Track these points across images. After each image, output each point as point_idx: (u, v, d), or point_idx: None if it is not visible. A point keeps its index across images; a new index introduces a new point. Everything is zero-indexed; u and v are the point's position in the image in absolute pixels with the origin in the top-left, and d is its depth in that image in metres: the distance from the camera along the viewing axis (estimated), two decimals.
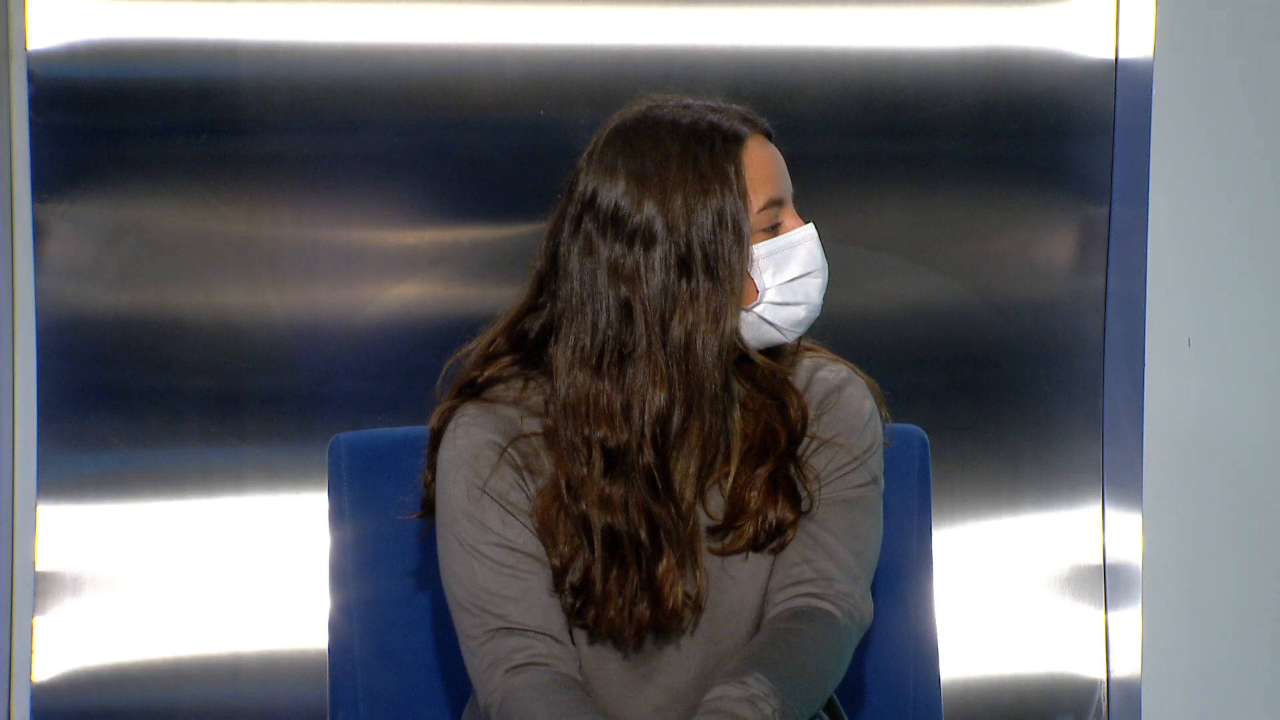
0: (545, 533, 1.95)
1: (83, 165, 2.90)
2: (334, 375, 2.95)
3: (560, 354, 1.93)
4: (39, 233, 2.90)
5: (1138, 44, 3.00)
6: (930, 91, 3.00)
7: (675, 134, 1.91)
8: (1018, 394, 3.08)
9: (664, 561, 1.93)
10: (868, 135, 3.01)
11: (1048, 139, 3.04)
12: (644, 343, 1.90)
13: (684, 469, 1.94)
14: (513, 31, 2.93)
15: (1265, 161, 3.01)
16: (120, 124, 2.89)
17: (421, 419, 2.08)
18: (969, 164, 3.04)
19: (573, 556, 1.94)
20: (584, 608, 1.95)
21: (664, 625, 1.96)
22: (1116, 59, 3.03)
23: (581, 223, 1.92)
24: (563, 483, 1.93)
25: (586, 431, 1.91)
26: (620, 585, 1.94)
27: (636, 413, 1.90)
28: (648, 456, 1.91)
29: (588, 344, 1.91)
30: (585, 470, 1.92)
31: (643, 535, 1.92)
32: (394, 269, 2.95)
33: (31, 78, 2.87)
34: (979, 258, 3.05)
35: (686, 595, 1.95)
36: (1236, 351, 3.03)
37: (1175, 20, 2.96)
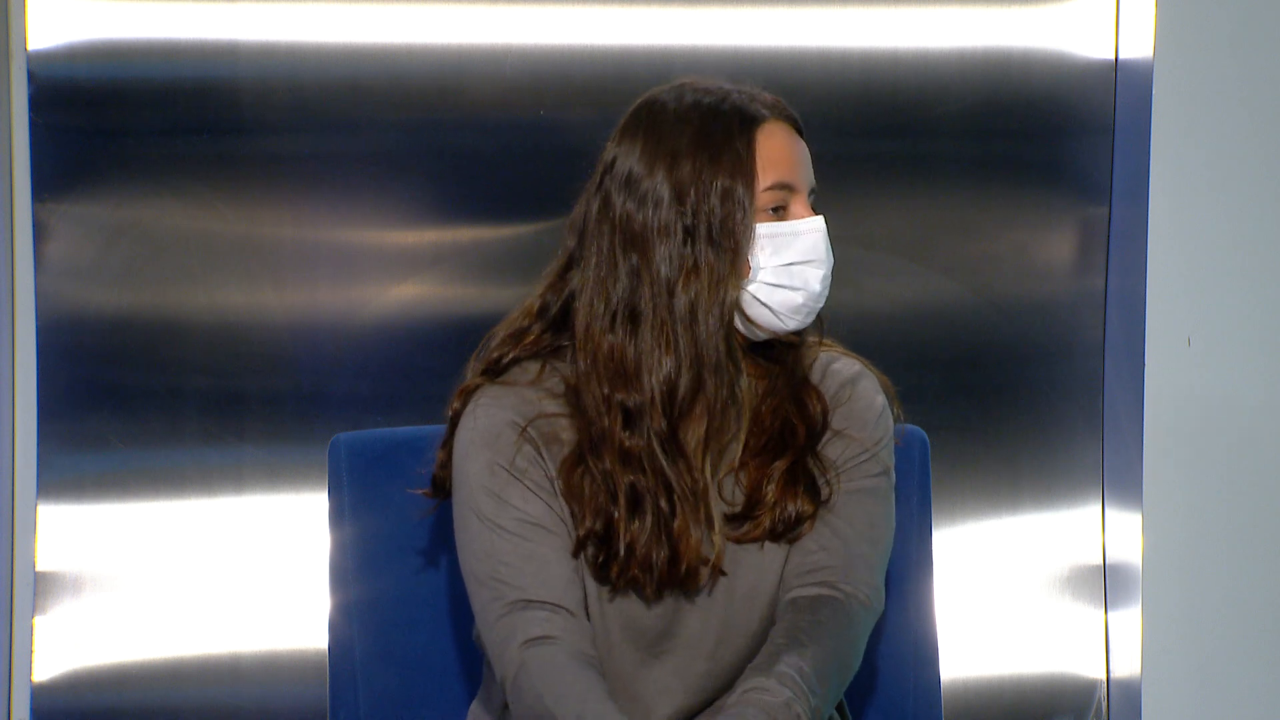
0: (572, 497, 1.98)
1: (83, 165, 2.90)
2: (334, 375, 2.95)
3: (581, 316, 1.98)
4: (39, 233, 2.90)
5: (1138, 44, 3.00)
6: (930, 91, 3.00)
7: (696, 109, 1.97)
8: (1018, 394, 3.08)
9: (679, 520, 1.97)
10: (868, 135, 3.01)
11: (1048, 139, 3.04)
12: (651, 307, 1.95)
13: (695, 434, 1.98)
14: (513, 31, 2.93)
15: (1265, 161, 3.00)
16: (120, 124, 2.89)
17: (422, 419, 2.09)
18: (969, 164, 3.04)
19: (597, 509, 1.97)
20: (607, 561, 1.98)
21: (682, 582, 1.99)
22: (1116, 59, 3.03)
23: (602, 183, 1.99)
24: (586, 443, 1.98)
25: (606, 390, 1.96)
26: (640, 537, 1.97)
27: (646, 376, 1.95)
28: (659, 421, 1.95)
29: (602, 308, 1.97)
30: (607, 424, 1.97)
31: (661, 497, 1.96)
32: (394, 269, 2.95)
33: (31, 78, 2.87)
34: (979, 258, 3.05)
35: (704, 557, 1.98)
36: (1236, 351, 3.03)
37: (1175, 20, 2.96)
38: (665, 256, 1.95)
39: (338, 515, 2.24)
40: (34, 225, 2.90)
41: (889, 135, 3.02)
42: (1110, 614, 3.11)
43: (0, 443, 2.95)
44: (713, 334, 1.95)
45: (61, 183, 2.90)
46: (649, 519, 1.97)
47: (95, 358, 2.93)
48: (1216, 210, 3.01)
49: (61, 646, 2.96)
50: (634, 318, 1.96)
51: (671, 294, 1.95)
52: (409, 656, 2.24)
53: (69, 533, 2.95)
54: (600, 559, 1.98)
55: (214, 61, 2.89)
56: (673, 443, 1.96)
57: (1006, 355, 3.08)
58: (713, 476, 2.00)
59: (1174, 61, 2.96)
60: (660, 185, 1.95)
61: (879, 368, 2.10)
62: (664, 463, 1.96)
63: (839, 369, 2.06)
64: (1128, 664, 3.08)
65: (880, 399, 2.06)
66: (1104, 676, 3.12)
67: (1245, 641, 3.07)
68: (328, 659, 2.25)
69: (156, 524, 2.95)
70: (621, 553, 1.97)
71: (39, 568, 2.95)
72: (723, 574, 2.00)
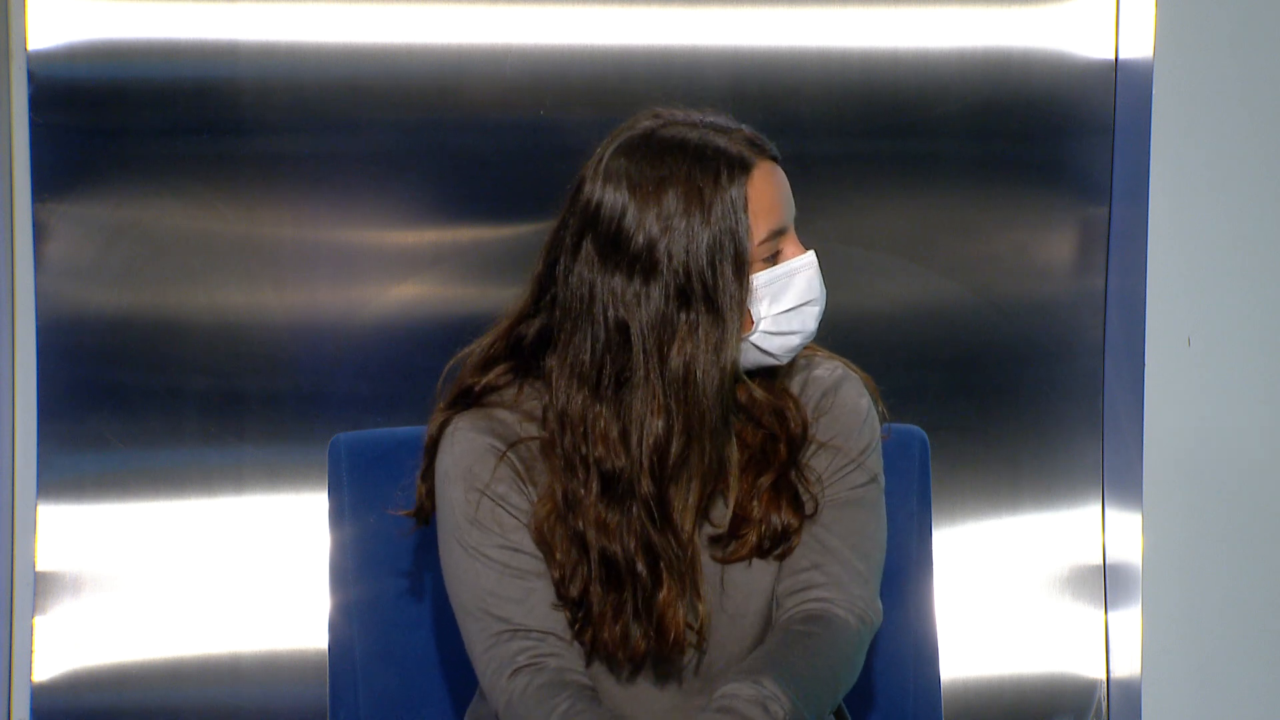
0: (542, 544, 1.94)
1: (83, 165, 2.90)
2: (334, 375, 2.95)
3: (558, 367, 1.93)
4: (39, 233, 2.90)
5: (1138, 44, 3.00)
6: (930, 91, 3.00)
7: (681, 156, 1.88)
8: (1018, 394, 3.08)
9: (664, 591, 1.93)
10: (868, 135, 3.01)
11: (1048, 139, 3.04)
12: (641, 370, 1.89)
13: (683, 499, 1.93)
14: (513, 31, 2.93)
15: (1265, 161, 3.01)
16: (120, 124, 2.89)
17: (421, 419, 2.08)
18: (969, 164, 3.04)
19: (573, 570, 1.93)
20: (582, 627, 1.95)
21: (666, 655, 1.96)
22: (1116, 59, 3.03)
23: (582, 238, 1.90)
24: (560, 496, 1.93)
25: (584, 451, 1.91)
26: (616, 611, 1.93)
27: (635, 440, 1.89)
28: (646, 487, 1.90)
29: (586, 361, 1.90)
30: (582, 491, 1.91)
31: (640, 565, 1.92)
32: (394, 269, 2.95)
33: (31, 78, 2.87)
34: (979, 258, 3.05)
35: (689, 627, 1.94)
36: (1236, 351, 3.03)
37: (1175, 20, 2.96)
38: (658, 321, 1.87)
39: (338, 515, 2.24)
40: (34, 225, 2.90)
41: (889, 135, 3.02)
42: (1110, 614, 3.11)
43: (0, 443, 2.95)
44: (712, 397, 1.89)
45: (61, 183, 2.90)
46: (626, 593, 1.92)
47: (95, 358, 2.93)
48: (1216, 210, 3.01)
49: (61, 646, 2.96)
50: (620, 380, 1.89)
51: (664, 358, 1.88)
52: (409, 656, 2.24)
53: (69, 533, 2.95)
54: (577, 623, 1.95)
55: (214, 61, 2.89)
56: (661, 509, 1.91)
57: (1006, 355, 3.08)
58: (699, 541, 1.95)
59: (1174, 61, 2.96)
60: (652, 246, 1.86)
61: (879, 368, 2.08)
62: (651, 530, 1.91)
63: (820, 375, 2.01)
64: (1128, 664, 3.08)
65: (864, 402, 2.02)
66: (1104, 676, 3.12)
67: (1245, 641, 3.07)
68: (328, 659, 2.25)
69: (156, 524, 2.96)
70: (596, 621, 1.93)
71: (39, 568, 2.95)
72: (703, 640, 1.96)
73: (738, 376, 1.92)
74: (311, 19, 2.90)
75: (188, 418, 2.95)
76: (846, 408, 2.01)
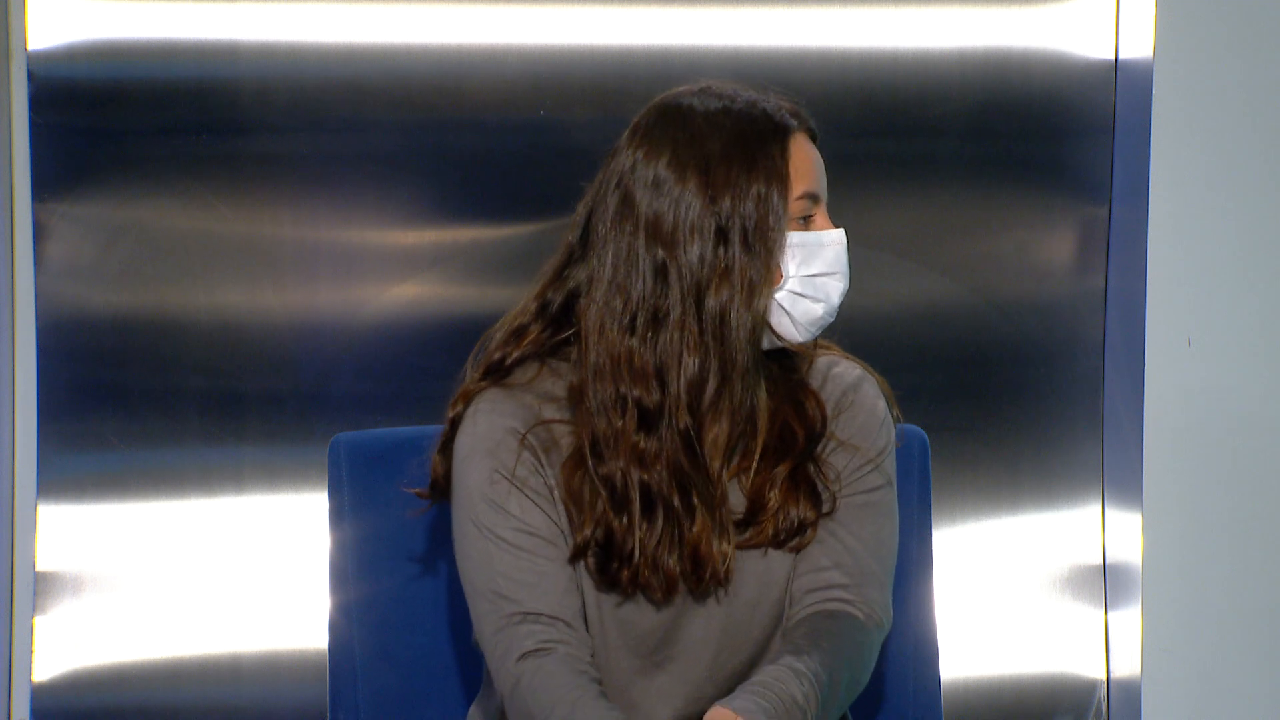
0: (572, 501, 1.96)
1: (83, 165, 2.90)
2: (334, 375, 2.95)
3: (591, 314, 1.95)
4: (39, 233, 2.91)
5: (1138, 44, 3.00)
6: (930, 91, 3.00)
7: (727, 115, 1.94)
8: (1018, 394, 3.08)
9: (697, 521, 1.95)
10: (868, 135, 3.01)
11: (1048, 139, 3.04)
12: (678, 309, 1.92)
13: (714, 437, 1.96)
14: (513, 31, 2.93)
15: (1265, 161, 3.01)
16: (120, 124, 2.89)
17: (422, 419, 2.09)
18: (969, 164, 3.04)
19: (600, 517, 1.95)
20: (612, 565, 1.96)
21: (700, 584, 1.97)
22: (1116, 59, 3.03)
23: (622, 185, 1.94)
24: (587, 444, 1.95)
25: (622, 389, 1.93)
26: (651, 539, 1.95)
27: (673, 376, 1.92)
28: (683, 420, 1.93)
29: (620, 306, 1.93)
30: (620, 424, 1.93)
31: (675, 497, 1.94)
32: (394, 269, 2.95)
33: (31, 78, 2.87)
34: (979, 258, 3.06)
35: (722, 556, 1.96)
36: (1236, 351, 3.03)
37: (1175, 20, 2.96)
38: (696, 257, 1.91)
39: (338, 515, 2.24)
40: (34, 225, 2.91)
41: (889, 135, 3.02)
42: (1110, 614, 3.11)
43: (0, 443, 2.95)
44: (744, 340, 1.92)
45: (61, 183, 2.90)
46: (659, 521, 1.94)
47: (95, 358, 2.93)
48: (1216, 210, 3.01)
49: (61, 646, 2.96)
50: (656, 319, 1.92)
51: (700, 297, 1.92)
52: (409, 656, 2.24)
53: (69, 533, 2.95)
54: (604, 566, 1.96)
55: (214, 61, 2.89)
56: (697, 442, 1.94)
57: (1007, 355, 3.08)
58: (727, 482, 1.98)
59: (1174, 61, 2.96)
60: (692, 190, 1.91)
61: (879, 368, 2.09)
62: (684, 460, 1.93)
63: (840, 374, 2.04)
64: (1128, 664, 3.08)
65: (882, 404, 2.05)
66: (1104, 676, 3.12)
67: (1245, 641, 3.07)
68: (328, 659, 2.25)
69: (156, 524, 2.96)
70: (634, 555, 1.95)
71: (39, 568, 2.95)
72: (728, 579, 1.99)
73: (765, 326, 1.95)
74: (311, 19, 2.90)
75: (188, 418, 2.95)
76: (865, 408, 2.04)
